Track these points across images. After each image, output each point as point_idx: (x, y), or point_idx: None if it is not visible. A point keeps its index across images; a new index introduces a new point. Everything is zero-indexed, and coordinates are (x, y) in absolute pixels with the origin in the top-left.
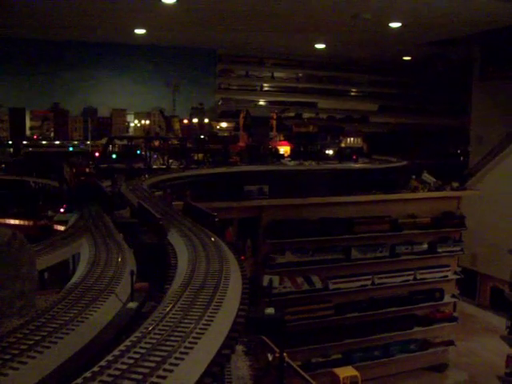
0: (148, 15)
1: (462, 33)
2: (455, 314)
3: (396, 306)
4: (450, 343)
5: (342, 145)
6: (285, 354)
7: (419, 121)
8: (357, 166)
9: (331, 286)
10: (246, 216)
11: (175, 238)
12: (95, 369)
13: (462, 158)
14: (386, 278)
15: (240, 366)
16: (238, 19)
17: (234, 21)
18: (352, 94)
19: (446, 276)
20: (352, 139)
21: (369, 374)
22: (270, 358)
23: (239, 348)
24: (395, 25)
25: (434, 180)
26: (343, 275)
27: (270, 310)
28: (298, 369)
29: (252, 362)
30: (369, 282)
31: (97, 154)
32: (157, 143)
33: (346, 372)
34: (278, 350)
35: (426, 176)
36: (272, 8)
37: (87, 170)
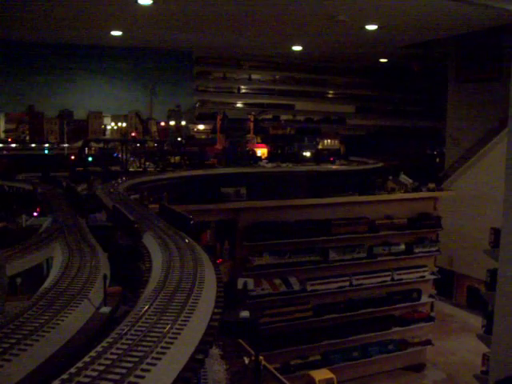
0: (124, 17)
1: (437, 36)
2: (432, 314)
3: (374, 306)
4: (428, 343)
5: (319, 147)
6: (261, 357)
7: (396, 122)
8: (334, 167)
9: (309, 288)
10: (223, 218)
11: (150, 242)
12: (64, 376)
13: (438, 160)
14: (363, 279)
15: (216, 369)
16: (215, 21)
17: (211, 23)
18: (329, 95)
19: (423, 276)
20: (329, 141)
21: (347, 375)
22: (247, 361)
23: (216, 352)
24: (371, 27)
25: (411, 181)
26: (321, 277)
27: (245, 313)
28: (275, 371)
29: (229, 365)
30: (347, 284)
31: (72, 157)
32: (133, 146)
33: (321, 374)
34: (254, 353)
35: (403, 177)
36: (248, 10)
37: None
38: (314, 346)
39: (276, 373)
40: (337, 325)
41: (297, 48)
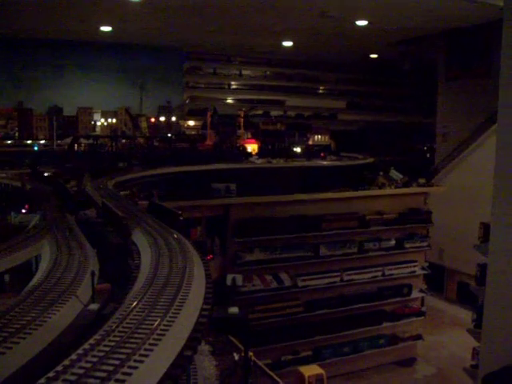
0: (114, 12)
1: (427, 32)
2: (423, 309)
3: (365, 302)
4: (418, 337)
5: (310, 142)
6: (251, 353)
7: (386, 118)
8: (324, 163)
9: (300, 284)
10: (213, 214)
11: (139, 238)
12: (51, 374)
13: (428, 155)
14: (354, 274)
15: (206, 365)
16: (205, 17)
17: (201, 19)
18: (320, 91)
19: (414, 271)
20: (319, 137)
21: (339, 370)
22: (236, 357)
23: (205, 348)
24: (362, 23)
25: (401, 176)
26: (312, 272)
27: (234, 310)
28: (264, 367)
29: (218, 361)
30: (337, 279)
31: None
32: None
33: (311, 370)
34: (243, 349)
35: (393, 173)
36: (239, 5)
37: None
38: (305, 342)
39: (266, 368)
40: (328, 320)
41: (287, 44)
